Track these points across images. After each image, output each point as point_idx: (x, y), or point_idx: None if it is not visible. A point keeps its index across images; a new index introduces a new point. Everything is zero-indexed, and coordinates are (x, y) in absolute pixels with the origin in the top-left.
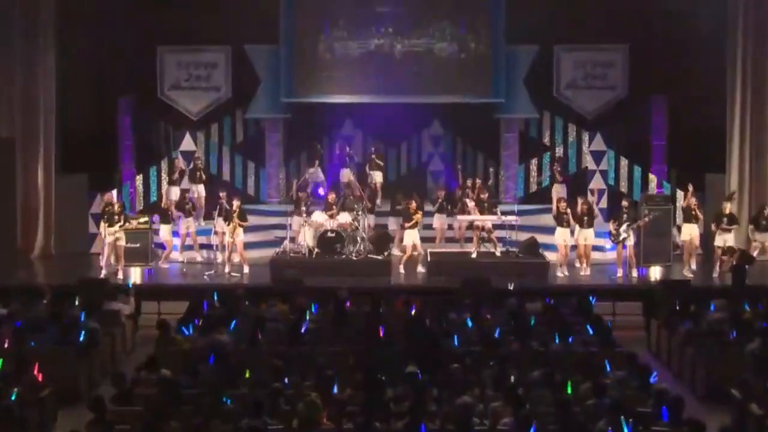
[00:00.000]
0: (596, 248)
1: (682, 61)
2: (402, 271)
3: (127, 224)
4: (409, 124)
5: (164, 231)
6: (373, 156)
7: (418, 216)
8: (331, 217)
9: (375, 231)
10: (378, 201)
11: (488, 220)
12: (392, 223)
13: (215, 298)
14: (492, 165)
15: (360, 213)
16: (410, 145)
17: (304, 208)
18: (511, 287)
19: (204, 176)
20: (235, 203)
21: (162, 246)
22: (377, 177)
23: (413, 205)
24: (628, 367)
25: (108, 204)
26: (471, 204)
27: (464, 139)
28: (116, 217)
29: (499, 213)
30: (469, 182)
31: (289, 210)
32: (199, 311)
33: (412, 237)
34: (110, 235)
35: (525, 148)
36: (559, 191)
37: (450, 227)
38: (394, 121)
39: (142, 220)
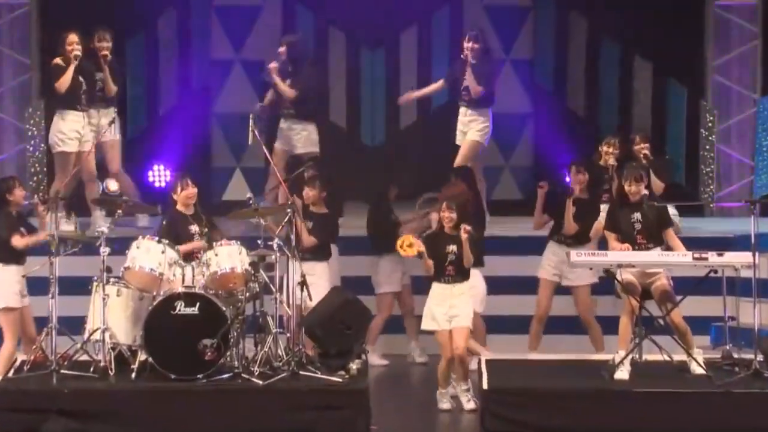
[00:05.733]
0: None
1: None
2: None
3: None
4: None
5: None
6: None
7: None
8: (192, 256)
9: (329, 295)
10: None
11: (656, 265)
12: (386, 279)
13: None
14: (677, 105)
15: (282, 244)
16: (419, 38)
17: (102, 229)
18: None
19: None
20: None
21: None
22: (297, 142)
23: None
24: None
25: None
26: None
27: (593, 25)
28: None
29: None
30: (608, 147)
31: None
32: None
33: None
34: None
35: None
36: None
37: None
38: None
39: None
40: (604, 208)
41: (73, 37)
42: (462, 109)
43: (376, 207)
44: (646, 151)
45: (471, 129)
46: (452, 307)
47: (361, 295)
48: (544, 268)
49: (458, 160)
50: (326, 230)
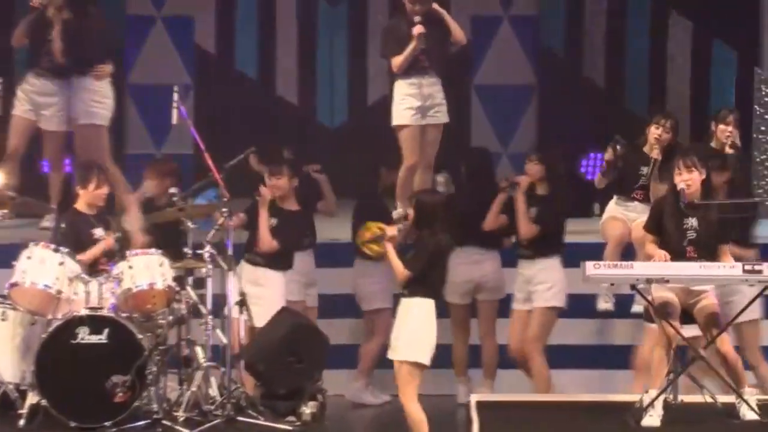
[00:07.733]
0: None
1: None
2: None
3: None
4: None
5: None
6: None
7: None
8: (98, 266)
9: (275, 319)
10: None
11: (696, 279)
12: (380, 291)
13: None
14: (724, 73)
15: (214, 254)
16: None
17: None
18: None
19: None
20: None
21: None
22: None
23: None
24: None
25: None
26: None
27: None
28: None
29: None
30: (657, 129)
31: None
32: None
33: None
34: None
35: None
36: None
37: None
38: None
39: None
40: (643, 208)
41: None
42: (415, 80)
43: (366, 200)
44: (737, 139)
45: (440, 104)
46: (395, 331)
47: (341, 317)
48: None
49: (433, 152)
50: (295, 233)
